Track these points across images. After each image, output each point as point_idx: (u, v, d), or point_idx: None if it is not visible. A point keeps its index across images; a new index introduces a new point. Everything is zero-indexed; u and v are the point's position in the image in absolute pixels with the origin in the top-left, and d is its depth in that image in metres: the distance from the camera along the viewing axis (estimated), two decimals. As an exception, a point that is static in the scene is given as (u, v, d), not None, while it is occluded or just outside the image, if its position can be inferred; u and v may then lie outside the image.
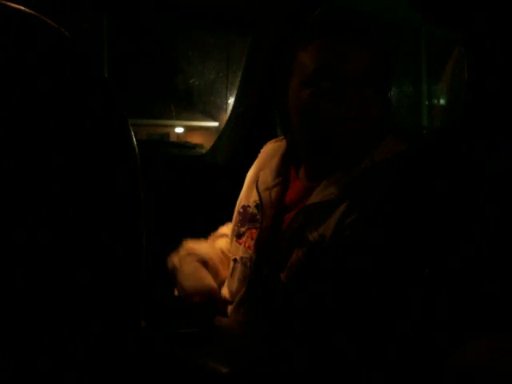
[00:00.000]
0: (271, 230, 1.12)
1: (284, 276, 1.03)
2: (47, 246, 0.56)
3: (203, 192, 1.68)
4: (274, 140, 1.28)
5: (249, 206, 1.20)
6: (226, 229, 1.34)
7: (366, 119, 1.03)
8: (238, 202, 1.26)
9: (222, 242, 1.31)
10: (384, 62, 1.06)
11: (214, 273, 1.22)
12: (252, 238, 1.15)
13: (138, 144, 0.63)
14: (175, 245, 1.47)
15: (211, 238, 1.34)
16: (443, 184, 0.79)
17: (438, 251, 0.77)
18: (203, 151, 1.87)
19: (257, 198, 1.17)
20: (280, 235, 1.09)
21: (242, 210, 1.22)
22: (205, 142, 1.99)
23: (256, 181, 1.19)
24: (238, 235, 1.20)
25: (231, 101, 1.91)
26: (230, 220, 1.32)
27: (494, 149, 0.75)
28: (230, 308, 1.16)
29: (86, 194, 0.58)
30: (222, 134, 1.81)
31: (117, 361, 0.63)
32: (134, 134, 0.63)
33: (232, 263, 1.19)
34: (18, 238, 0.55)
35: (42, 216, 0.55)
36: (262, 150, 1.28)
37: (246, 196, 1.23)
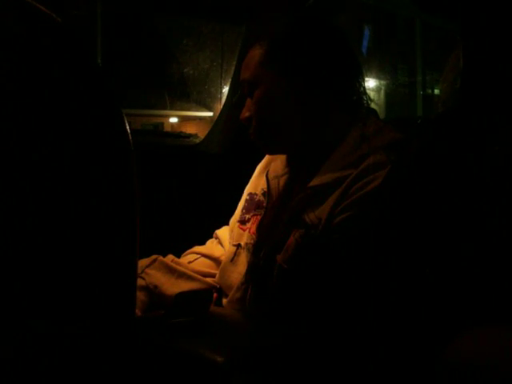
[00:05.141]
0: (274, 215, 1.13)
1: (280, 258, 1.04)
2: (42, 239, 0.56)
3: (198, 181, 1.68)
4: None
5: (256, 194, 1.23)
6: (205, 249, 1.33)
7: (260, 116, 1.12)
8: (245, 191, 1.28)
9: (199, 264, 1.29)
10: (282, 51, 1.09)
11: (158, 299, 1.17)
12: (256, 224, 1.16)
13: (132, 134, 0.62)
14: (169, 234, 1.47)
15: (187, 253, 1.32)
16: (439, 175, 0.79)
17: (436, 246, 0.77)
18: (197, 141, 1.86)
19: (265, 186, 1.19)
20: (280, 219, 1.10)
21: (248, 198, 1.25)
22: (199, 132, 1.98)
23: (266, 171, 1.22)
24: (242, 221, 1.22)
25: (226, 90, 1.91)
26: (224, 208, 1.33)
27: (490, 140, 0.75)
28: (228, 296, 1.17)
29: (79, 185, 0.58)
30: (217, 124, 1.80)
31: (112, 351, 0.63)
32: (128, 124, 0.63)
33: (234, 249, 1.19)
34: (11, 232, 0.54)
35: (35, 208, 0.55)
36: None
37: (254, 185, 1.26)
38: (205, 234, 1.38)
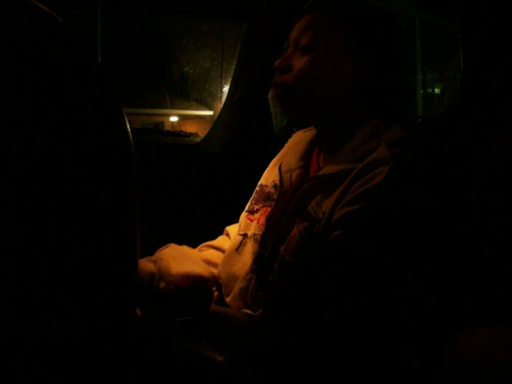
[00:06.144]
0: (284, 207, 1.13)
1: (283, 250, 1.04)
2: (41, 238, 0.56)
3: (198, 181, 1.68)
4: (303, 130, 1.31)
5: (266, 186, 1.23)
6: (216, 242, 1.33)
7: (300, 74, 1.09)
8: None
9: (208, 254, 1.29)
10: (348, 27, 1.10)
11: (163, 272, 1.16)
12: (266, 216, 1.17)
13: (132, 133, 0.62)
14: (169, 233, 1.47)
15: (199, 247, 1.32)
16: (441, 173, 0.79)
17: (436, 245, 0.77)
18: (198, 140, 1.86)
19: (276, 179, 1.20)
20: (287, 211, 1.11)
21: (258, 189, 1.25)
22: (199, 131, 1.98)
23: (279, 164, 1.23)
24: (250, 211, 1.22)
25: (226, 89, 1.91)
26: (224, 208, 1.33)
27: (491, 138, 0.75)
28: (227, 287, 1.16)
29: (78, 184, 0.58)
30: (217, 123, 1.80)
31: (112, 350, 0.63)
32: (129, 123, 0.63)
33: (240, 238, 1.19)
34: (10, 231, 0.54)
35: (34, 206, 0.55)
36: (289, 139, 1.32)
37: (266, 177, 1.26)
38: (202, 234, 1.38)
